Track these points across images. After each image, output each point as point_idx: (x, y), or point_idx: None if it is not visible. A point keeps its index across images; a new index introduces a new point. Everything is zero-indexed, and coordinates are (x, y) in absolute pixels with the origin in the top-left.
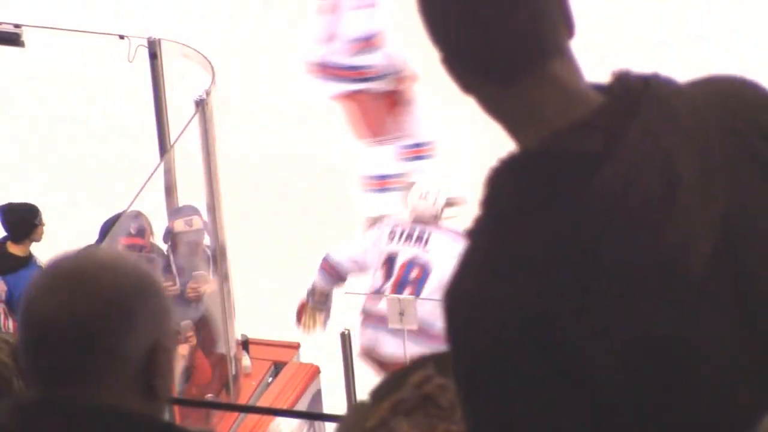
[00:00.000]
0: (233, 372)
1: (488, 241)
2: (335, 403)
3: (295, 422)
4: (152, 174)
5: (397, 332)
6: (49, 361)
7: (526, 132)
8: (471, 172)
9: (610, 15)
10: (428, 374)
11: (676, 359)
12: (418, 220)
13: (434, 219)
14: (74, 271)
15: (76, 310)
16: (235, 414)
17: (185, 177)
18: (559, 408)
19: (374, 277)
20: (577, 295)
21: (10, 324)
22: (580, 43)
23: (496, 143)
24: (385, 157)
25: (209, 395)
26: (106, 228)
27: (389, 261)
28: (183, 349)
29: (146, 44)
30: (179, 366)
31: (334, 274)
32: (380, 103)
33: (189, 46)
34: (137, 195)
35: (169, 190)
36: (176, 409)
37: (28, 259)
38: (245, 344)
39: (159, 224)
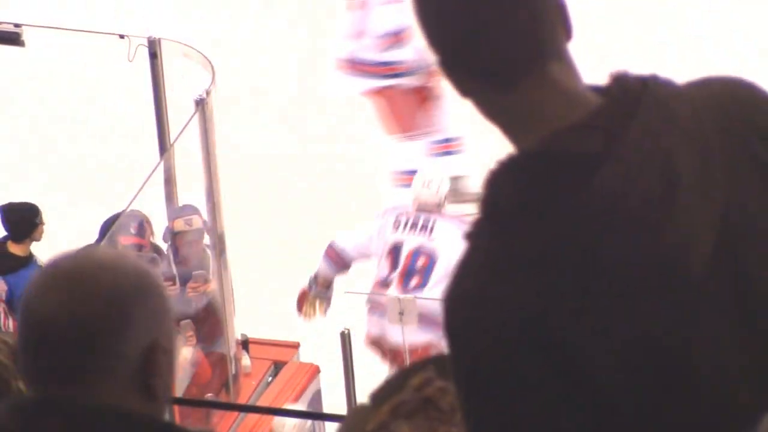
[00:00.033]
0: (233, 371)
1: (488, 242)
2: (335, 402)
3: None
4: (152, 173)
5: None
6: (48, 361)
7: (525, 134)
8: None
9: (610, 15)
10: (429, 377)
11: (676, 359)
12: (422, 208)
13: (438, 207)
14: (74, 270)
15: (75, 309)
16: (235, 413)
17: (185, 177)
18: (559, 408)
19: (380, 266)
20: (577, 295)
21: (11, 323)
22: (580, 43)
23: (496, 143)
24: (414, 153)
25: (209, 395)
26: (106, 227)
27: (395, 250)
28: (187, 352)
29: (146, 44)
30: (187, 371)
31: (339, 261)
32: (410, 99)
33: (189, 46)
34: (137, 194)
35: (169, 189)
36: (176, 408)
37: (29, 259)
38: (245, 344)
39: (159, 224)
